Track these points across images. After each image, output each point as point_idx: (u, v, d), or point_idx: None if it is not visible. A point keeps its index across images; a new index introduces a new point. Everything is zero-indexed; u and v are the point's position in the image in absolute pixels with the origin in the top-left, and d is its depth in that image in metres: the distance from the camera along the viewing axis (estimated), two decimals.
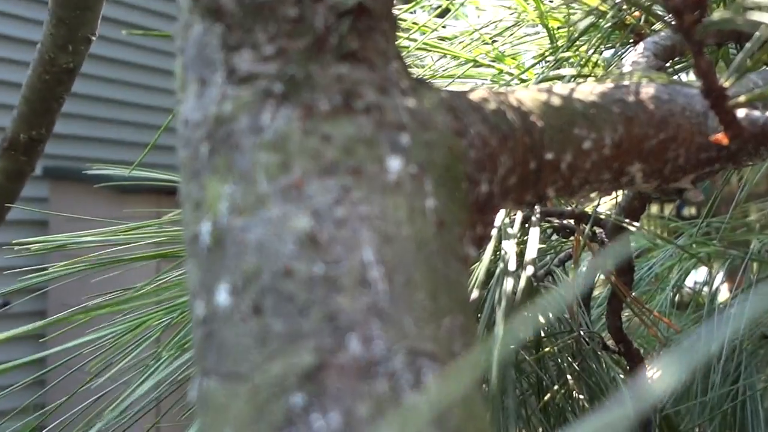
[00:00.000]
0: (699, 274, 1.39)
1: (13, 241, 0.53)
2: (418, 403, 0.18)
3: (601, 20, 0.46)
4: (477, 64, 0.59)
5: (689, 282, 1.27)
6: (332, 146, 0.21)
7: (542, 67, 0.55)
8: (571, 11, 0.51)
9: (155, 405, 0.50)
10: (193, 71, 0.23)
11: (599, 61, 0.49)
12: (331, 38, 0.23)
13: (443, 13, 0.64)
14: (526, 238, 0.47)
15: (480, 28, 0.58)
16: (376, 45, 0.24)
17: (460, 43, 0.59)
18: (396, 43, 0.26)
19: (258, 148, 0.21)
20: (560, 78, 0.49)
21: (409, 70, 0.26)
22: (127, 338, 0.50)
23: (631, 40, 0.50)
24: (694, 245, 1.13)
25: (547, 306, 0.61)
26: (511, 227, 0.41)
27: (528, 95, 0.31)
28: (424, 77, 0.50)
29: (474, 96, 0.29)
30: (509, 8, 0.57)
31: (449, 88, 0.30)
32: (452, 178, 0.24)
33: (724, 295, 1.25)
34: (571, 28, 0.48)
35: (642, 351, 0.77)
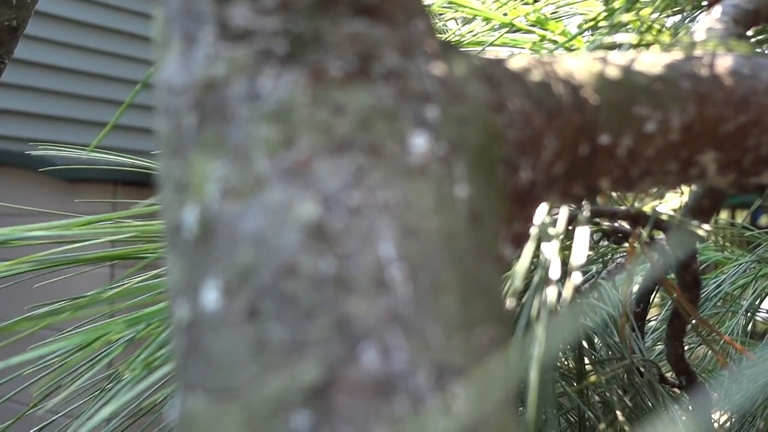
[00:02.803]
0: None
1: None
2: (445, 428, 0.19)
3: None
4: (514, 29, 0.60)
5: (766, 306, 1.27)
6: (345, 119, 0.22)
7: (594, 35, 0.55)
8: None
9: None
10: (177, 26, 0.24)
11: (665, 27, 0.49)
12: None
13: None
14: (569, 242, 0.47)
15: None
16: None
17: (494, 2, 0.59)
18: None
19: (256, 120, 0.22)
20: (617, 47, 0.49)
21: (436, 31, 0.27)
22: (80, 355, 0.50)
23: (705, 2, 0.50)
24: None
25: (594, 327, 0.61)
26: (554, 227, 0.42)
27: (579, 65, 0.31)
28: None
29: (514, 64, 0.29)
30: None
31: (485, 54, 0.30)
32: (487, 161, 0.25)
33: None
34: None
35: (707, 386, 0.77)
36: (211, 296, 0.20)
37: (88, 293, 0.56)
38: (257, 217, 0.20)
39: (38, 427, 0.64)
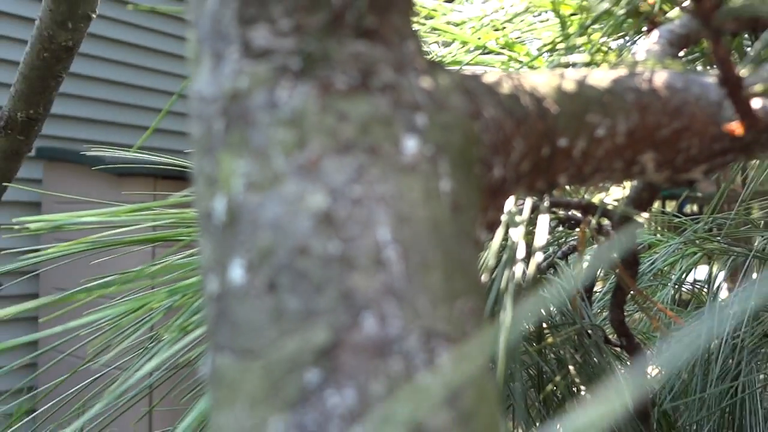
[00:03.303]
0: (699, 273, 1.40)
1: (13, 220, 0.53)
2: (432, 383, 0.18)
3: (615, 7, 0.46)
4: (486, 51, 0.59)
5: (690, 280, 1.27)
6: (349, 124, 0.21)
7: (552, 56, 0.55)
8: None
9: (157, 386, 0.51)
10: (207, 45, 0.23)
11: (611, 49, 0.49)
12: (348, 15, 0.23)
13: None
14: (532, 228, 0.47)
15: (490, 14, 0.58)
16: (393, 23, 0.24)
17: (470, 28, 0.59)
18: (412, 22, 0.26)
19: (274, 125, 0.21)
20: (572, 65, 0.49)
21: (425, 51, 0.26)
22: (127, 320, 0.50)
23: (644, 29, 0.50)
24: (697, 241, 1.14)
25: (550, 298, 0.61)
26: (519, 215, 0.42)
27: (542, 80, 0.31)
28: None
29: (488, 79, 0.29)
30: None
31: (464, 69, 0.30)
32: (467, 160, 0.24)
33: (725, 294, 1.25)
34: (584, 14, 0.48)
35: (643, 346, 0.77)
36: (237, 272, 0.20)
37: (134, 269, 0.56)
38: (275, 206, 0.20)
39: (92, 378, 0.63)
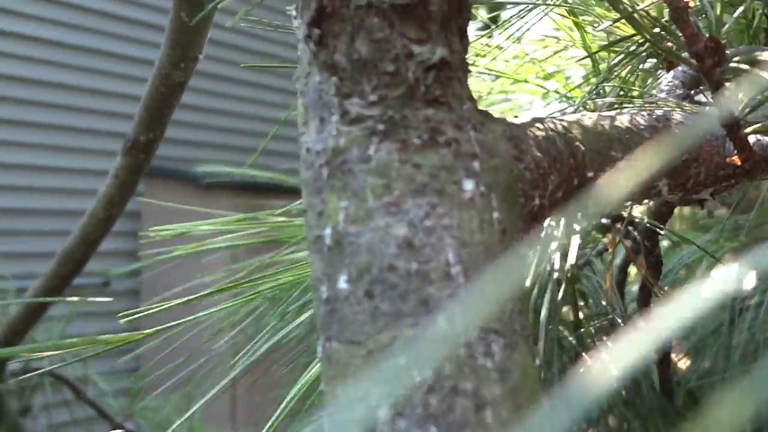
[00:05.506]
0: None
1: (150, 229, 0.58)
2: (488, 365, 0.22)
3: (638, 48, 0.49)
4: (527, 83, 0.62)
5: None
6: (422, 172, 0.25)
7: (585, 90, 0.57)
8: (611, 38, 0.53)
9: (267, 366, 0.56)
10: (313, 111, 0.28)
11: (636, 82, 0.51)
12: (420, 87, 0.27)
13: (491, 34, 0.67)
14: (566, 243, 0.50)
15: (531, 53, 0.61)
16: (454, 90, 0.28)
17: (513, 65, 0.62)
18: (468, 86, 0.29)
19: (366, 173, 0.25)
20: (603, 94, 0.51)
21: (478, 107, 0.30)
22: (241, 311, 0.55)
23: (663, 67, 0.52)
24: (721, 240, 1.13)
25: (587, 291, 0.64)
26: (556, 230, 0.45)
27: (573, 123, 0.34)
28: (485, 107, 0.53)
29: (529, 125, 0.32)
30: (556, 38, 0.60)
31: (509, 118, 0.33)
32: (512, 195, 0.28)
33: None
34: (612, 55, 0.51)
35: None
36: (342, 284, 0.24)
37: (242, 263, 0.61)
38: (369, 235, 0.24)
39: (206, 357, 0.69)
